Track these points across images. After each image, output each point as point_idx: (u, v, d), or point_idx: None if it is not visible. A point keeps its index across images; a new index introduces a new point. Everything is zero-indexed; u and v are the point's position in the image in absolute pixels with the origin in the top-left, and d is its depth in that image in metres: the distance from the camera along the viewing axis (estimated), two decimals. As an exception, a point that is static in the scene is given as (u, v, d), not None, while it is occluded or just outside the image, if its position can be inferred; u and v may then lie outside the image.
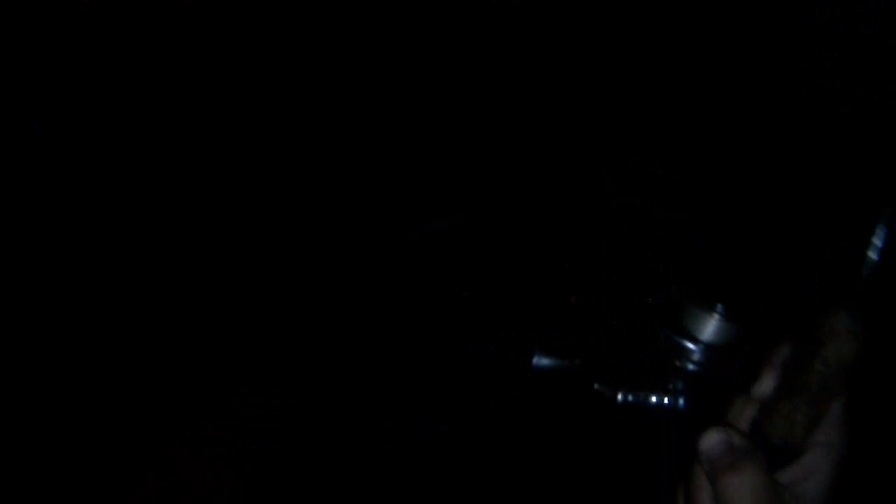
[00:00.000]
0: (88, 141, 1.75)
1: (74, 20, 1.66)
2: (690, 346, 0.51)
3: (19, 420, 1.38)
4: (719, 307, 0.51)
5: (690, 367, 0.52)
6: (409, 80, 1.97)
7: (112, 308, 1.69)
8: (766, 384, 0.41)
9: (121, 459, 1.28)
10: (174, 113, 1.85)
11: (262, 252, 1.89)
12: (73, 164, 1.72)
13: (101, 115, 1.75)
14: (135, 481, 1.23)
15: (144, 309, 1.72)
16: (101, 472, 1.27)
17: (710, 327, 0.51)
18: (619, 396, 0.53)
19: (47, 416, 1.40)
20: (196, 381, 1.50)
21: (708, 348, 0.51)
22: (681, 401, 0.52)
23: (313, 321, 1.73)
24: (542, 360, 0.59)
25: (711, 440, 0.38)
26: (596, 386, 0.55)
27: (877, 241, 0.38)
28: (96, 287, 1.69)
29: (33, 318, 1.57)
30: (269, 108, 1.94)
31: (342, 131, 1.99)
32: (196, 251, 1.83)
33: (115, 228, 1.75)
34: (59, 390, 1.48)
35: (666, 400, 0.52)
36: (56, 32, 1.65)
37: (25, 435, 1.35)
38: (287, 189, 1.97)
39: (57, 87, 1.69)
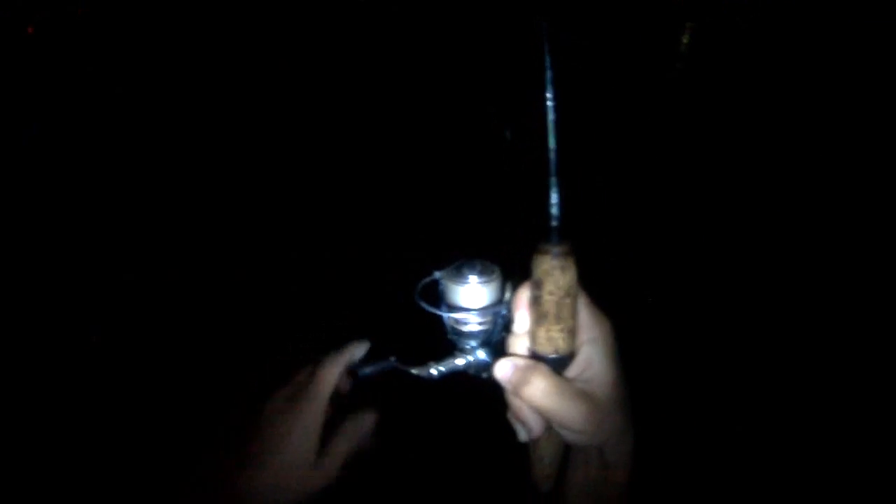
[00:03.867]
0: (88, 141, 1.75)
1: (75, 20, 1.66)
2: (464, 313, 0.60)
3: (19, 420, 1.38)
4: (469, 277, 0.60)
5: (476, 328, 0.61)
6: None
7: (112, 308, 1.69)
8: (522, 319, 0.51)
9: (120, 459, 1.28)
10: (173, 113, 1.85)
11: (262, 252, 1.90)
12: (73, 164, 1.72)
13: (100, 115, 1.76)
14: (134, 481, 1.23)
15: (144, 309, 1.72)
16: (101, 472, 1.27)
17: (471, 293, 0.60)
18: (434, 371, 0.63)
19: (47, 416, 1.41)
20: (196, 381, 1.50)
21: (480, 310, 0.60)
22: (481, 354, 0.63)
23: (311, 321, 1.73)
24: (364, 370, 0.70)
25: (502, 368, 0.50)
26: (413, 371, 0.64)
27: (553, 196, 0.46)
28: (96, 287, 1.69)
29: (33, 317, 1.57)
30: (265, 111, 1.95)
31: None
32: (196, 251, 1.84)
33: (114, 228, 1.75)
34: (59, 390, 1.48)
35: (469, 358, 0.63)
36: (56, 32, 1.65)
37: (25, 435, 1.36)
38: (287, 190, 1.97)
39: (56, 86, 1.69)
